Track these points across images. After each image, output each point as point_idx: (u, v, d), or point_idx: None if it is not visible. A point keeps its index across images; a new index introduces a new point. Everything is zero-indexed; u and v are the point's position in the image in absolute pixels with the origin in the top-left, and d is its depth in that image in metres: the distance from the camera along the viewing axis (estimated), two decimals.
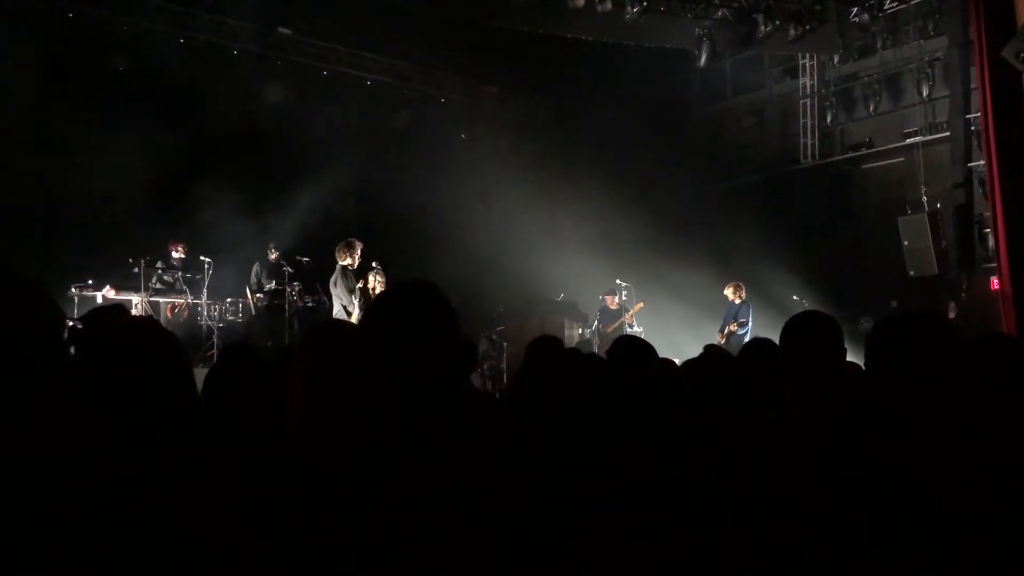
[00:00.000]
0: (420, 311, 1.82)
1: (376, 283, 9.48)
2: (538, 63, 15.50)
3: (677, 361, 7.09)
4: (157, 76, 12.56)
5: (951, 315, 12.93)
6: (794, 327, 2.69)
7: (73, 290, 10.04)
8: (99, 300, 10.01)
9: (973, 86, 13.97)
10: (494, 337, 13.42)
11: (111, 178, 10.96)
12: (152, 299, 10.87)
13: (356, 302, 9.13)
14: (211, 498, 1.66)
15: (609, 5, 12.40)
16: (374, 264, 9.94)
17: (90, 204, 11.11)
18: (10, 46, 11.22)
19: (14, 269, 1.51)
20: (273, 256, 11.90)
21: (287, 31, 14.13)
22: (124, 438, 1.74)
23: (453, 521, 1.62)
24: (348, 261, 9.35)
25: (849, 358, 2.85)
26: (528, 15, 12.63)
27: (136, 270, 10.67)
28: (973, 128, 14.05)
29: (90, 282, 10.30)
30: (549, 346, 3.60)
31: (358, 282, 9.34)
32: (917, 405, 2.00)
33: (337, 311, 9.31)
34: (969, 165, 14.15)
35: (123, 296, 10.42)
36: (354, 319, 8.70)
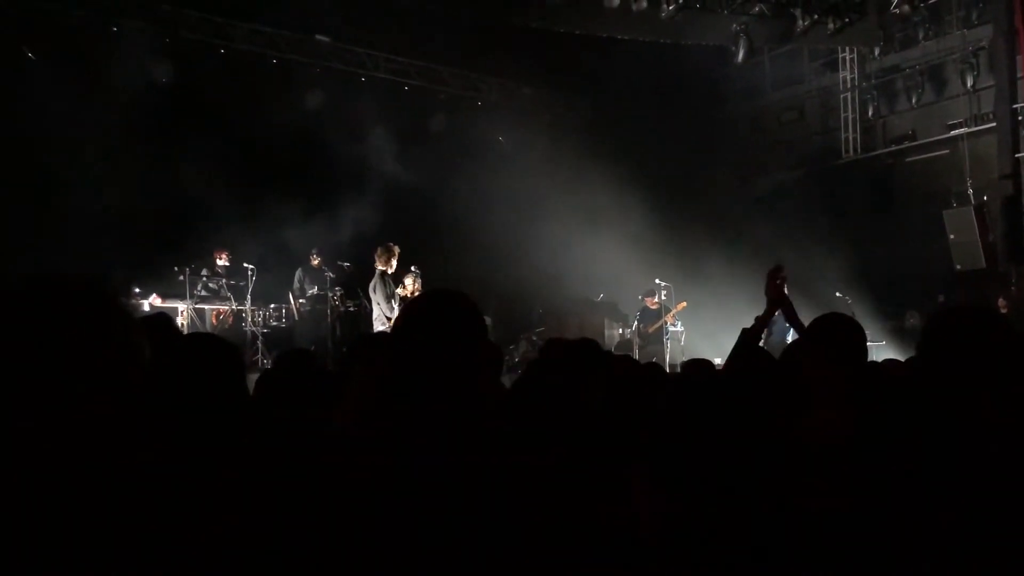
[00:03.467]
0: (447, 317, 1.86)
1: (415, 287, 9.54)
2: (574, 64, 15.47)
3: (719, 360, 7.04)
4: (199, 86, 12.76)
5: (1003, 310, 12.67)
6: (822, 327, 2.68)
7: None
8: (146, 308, 10.21)
9: (1019, 75, 13.70)
10: (534, 338, 13.45)
11: (156, 188, 11.18)
12: (197, 306, 11.06)
13: (396, 307, 9.20)
14: (257, 496, 1.70)
15: (644, 4, 12.35)
16: (412, 268, 10.02)
17: (136, 214, 11.32)
18: (54, 59, 11.50)
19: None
20: (315, 262, 12.03)
21: (325, 39, 14.28)
22: (177, 437, 1.79)
23: (489, 518, 1.65)
24: (387, 266, 9.43)
25: (891, 355, 2.82)
26: (563, 15, 12.64)
27: (181, 278, 10.86)
28: (1020, 118, 13.77)
29: (137, 290, 10.50)
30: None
31: (397, 286, 9.41)
32: (975, 401, 1.98)
33: (376, 316, 9.40)
34: (1016, 156, 13.85)
35: (169, 304, 10.61)
36: None
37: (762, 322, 4.11)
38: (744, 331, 3.69)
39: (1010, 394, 2.02)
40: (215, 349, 2.25)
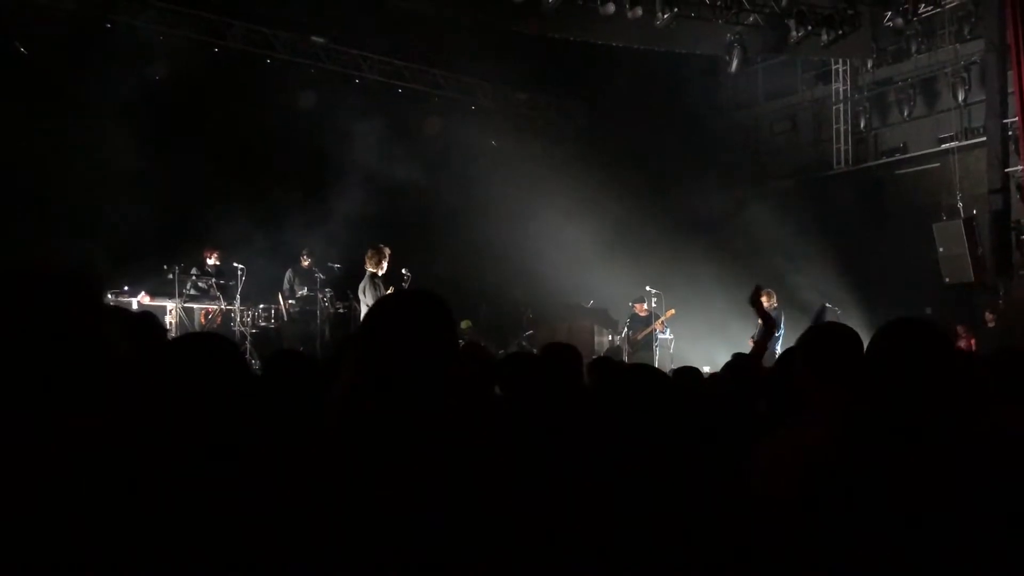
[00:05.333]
0: (413, 316, 1.87)
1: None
2: (569, 70, 15.51)
3: (707, 368, 7.01)
4: (193, 85, 12.73)
5: (990, 324, 12.71)
6: (815, 339, 2.68)
7: (109, 296, 10.19)
8: (134, 306, 10.16)
9: (1010, 90, 13.78)
10: (523, 343, 13.44)
11: (147, 185, 11.13)
12: (186, 305, 11.01)
13: None
14: (251, 494, 1.71)
15: (639, 11, 12.39)
16: (404, 271, 9.99)
17: (126, 211, 11.28)
18: (48, 54, 11.46)
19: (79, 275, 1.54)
20: (305, 263, 11.98)
21: (320, 39, 14.26)
22: (174, 438, 1.79)
23: (460, 518, 1.67)
24: (377, 268, 9.39)
25: None
26: (559, 22, 12.66)
27: (171, 276, 10.80)
28: (1010, 132, 13.83)
29: (126, 288, 10.45)
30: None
31: (387, 289, 9.38)
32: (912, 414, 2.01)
33: None
34: (1006, 170, 13.92)
35: (158, 302, 10.56)
36: None
37: (763, 346, 4.14)
38: (744, 356, 3.71)
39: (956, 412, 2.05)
40: (219, 349, 2.22)
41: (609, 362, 5.04)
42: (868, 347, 2.17)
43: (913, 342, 2.11)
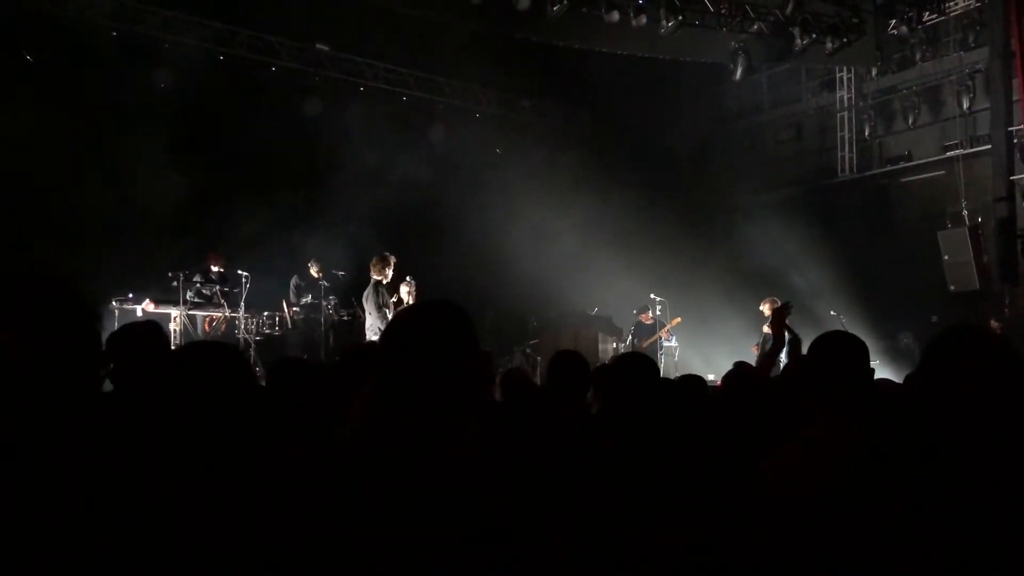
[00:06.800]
0: (435, 328, 1.87)
1: (409, 297, 9.51)
2: (573, 77, 15.52)
3: (711, 376, 6.99)
4: (198, 92, 12.76)
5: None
6: (824, 348, 2.66)
7: (114, 303, 10.21)
8: (139, 313, 10.17)
9: (1015, 98, 13.76)
10: (528, 351, 13.42)
11: (151, 192, 11.14)
12: (190, 312, 11.00)
13: (390, 315, 9.17)
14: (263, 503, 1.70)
15: (644, 20, 12.41)
16: (407, 278, 10.00)
17: (130, 218, 11.30)
18: (55, 62, 11.50)
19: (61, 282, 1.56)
20: (313, 270, 11.97)
21: (324, 47, 14.30)
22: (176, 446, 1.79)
23: (473, 524, 1.67)
24: (382, 276, 9.40)
25: (885, 374, 2.82)
26: (563, 30, 12.68)
27: (175, 284, 10.79)
28: (1016, 140, 13.81)
29: (130, 295, 10.46)
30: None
31: (392, 296, 9.38)
32: (977, 423, 1.97)
33: (369, 325, 9.38)
34: (1011, 178, 13.89)
35: (162, 310, 10.56)
36: None
37: (770, 362, 4.17)
38: (746, 364, 3.71)
39: (1012, 421, 2.01)
40: (226, 360, 2.22)
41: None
42: (928, 351, 2.11)
43: (981, 349, 2.06)
